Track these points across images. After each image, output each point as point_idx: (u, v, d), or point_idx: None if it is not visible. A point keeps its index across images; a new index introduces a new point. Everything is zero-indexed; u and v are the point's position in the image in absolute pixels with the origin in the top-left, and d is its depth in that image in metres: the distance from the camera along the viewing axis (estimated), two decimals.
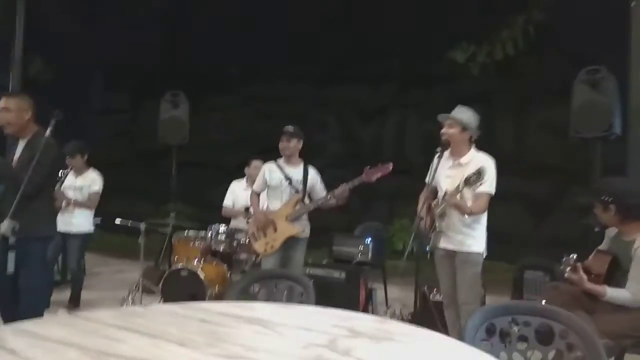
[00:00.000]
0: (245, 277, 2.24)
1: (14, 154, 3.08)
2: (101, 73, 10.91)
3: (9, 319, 3.11)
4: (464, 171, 3.29)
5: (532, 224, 8.48)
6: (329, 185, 4.12)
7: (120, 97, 11.17)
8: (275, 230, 3.99)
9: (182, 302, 4.42)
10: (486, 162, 3.26)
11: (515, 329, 1.65)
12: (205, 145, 9.64)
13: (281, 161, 4.12)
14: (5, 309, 3.15)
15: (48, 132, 2.89)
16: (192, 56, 9.47)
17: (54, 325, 1.51)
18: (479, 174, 3.00)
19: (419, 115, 8.62)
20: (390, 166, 3.85)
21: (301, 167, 4.10)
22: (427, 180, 3.56)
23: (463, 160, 3.38)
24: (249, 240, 4.40)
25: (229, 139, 9.98)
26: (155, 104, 6.67)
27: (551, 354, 1.60)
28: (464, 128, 3.36)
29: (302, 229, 4.02)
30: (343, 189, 3.85)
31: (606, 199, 2.91)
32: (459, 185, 3.13)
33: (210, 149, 9.87)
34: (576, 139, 4.96)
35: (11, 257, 2.72)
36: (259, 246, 4.05)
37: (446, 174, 3.45)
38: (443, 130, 3.39)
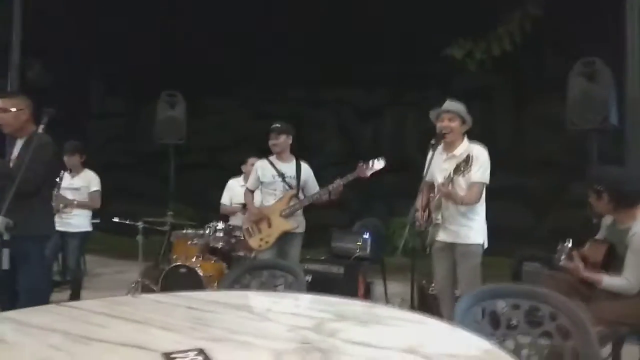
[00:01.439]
0: (237, 268, 2.24)
1: (12, 153, 3.10)
2: (100, 76, 10.94)
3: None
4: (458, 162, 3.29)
5: (532, 219, 8.46)
6: (328, 184, 4.12)
7: (118, 100, 11.20)
8: (269, 225, 3.99)
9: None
10: (478, 151, 3.25)
11: (505, 311, 1.64)
12: (204, 146, 9.67)
13: (273, 158, 4.12)
14: (3, 305, 3.15)
15: (40, 128, 2.89)
16: (189, 57, 9.48)
17: (38, 313, 1.51)
18: (467, 161, 3.00)
19: (417, 112, 8.61)
20: (383, 162, 3.85)
21: (293, 163, 4.11)
22: (424, 174, 3.56)
23: (457, 151, 3.36)
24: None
25: (227, 139, 9.99)
26: (152, 106, 6.68)
27: (541, 338, 1.60)
28: (463, 121, 3.36)
29: (297, 224, 4.02)
30: (337, 184, 3.85)
31: (599, 187, 2.90)
32: (450, 174, 3.12)
33: (209, 150, 9.89)
34: (573, 131, 4.96)
35: (5, 253, 2.71)
36: (253, 242, 4.05)
37: (441, 167, 3.43)
38: (444, 124, 3.36)
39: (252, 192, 4.23)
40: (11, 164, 3.08)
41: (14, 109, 3.01)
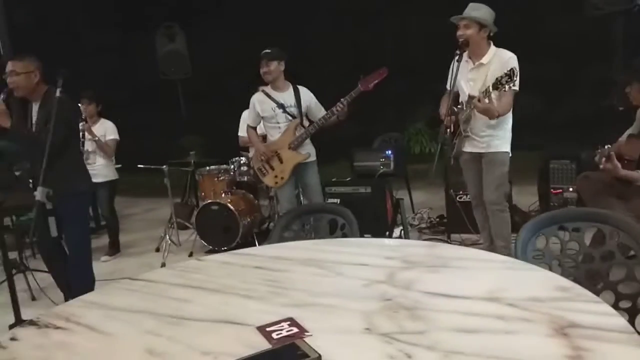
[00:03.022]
0: (285, 215, 2.27)
1: (32, 118, 3.07)
2: (87, 10, 10.41)
3: (61, 278, 3.27)
4: (487, 71, 3.17)
5: (547, 108, 8.34)
6: (334, 99, 3.93)
7: (110, 33, 10.75)
8: (281, 161, 3.92)
9: (217, 236, 4.54)
10: (511, 60, 3.11)
11: (566, 236, 1.67)
12: (206, 74, 9.41)
13: (268, 88, 3.93)
14: (56, 269, 3.29)
15: (58, 92, 2.83)
16: None
17: (119, 293, 1.57)
18: (510, 75, 2.86)
19: (420, 13, 8.20)
20: (386, 71, 3.67)
21: (291, 90, 3.91)
22: (447, 86, 3.46)
23: (484, 59, 3.24)
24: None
25: (229, 65, 9.70)
26: (149, 37, 6.43)
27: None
28: (482, 26, 3.18)
29: (308, 153, 3.93)
30: (342, 105, 3.70)
31: None
32: (487, 89, 3.02)
33: (211, 78, 9.64)
34: (594, 15, 4.72)
35: (52, 221, 2.78)
36: (268, 180, 4.02)
37: (468, 77, 3.33)
38: (459, 33, 3.22)
39: (255, 128, 4.08)
40: (34, 128, 3.07)
41: (24, 71, 2.94)
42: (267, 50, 3.83)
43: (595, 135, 4.01)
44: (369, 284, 1.41)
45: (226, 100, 7.45)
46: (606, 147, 2.76)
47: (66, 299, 3.30)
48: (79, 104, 4.46)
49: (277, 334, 1.17)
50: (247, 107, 5.24)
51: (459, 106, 3.44)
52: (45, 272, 3.85)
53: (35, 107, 3.11)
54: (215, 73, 9.69)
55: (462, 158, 3.56)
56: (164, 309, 1.39)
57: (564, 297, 1.21)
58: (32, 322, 1.38)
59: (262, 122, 4.04)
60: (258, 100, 3.95)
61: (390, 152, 4.80)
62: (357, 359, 1.04)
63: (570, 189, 4.36)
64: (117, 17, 10.01)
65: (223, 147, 5.74)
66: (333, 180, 4.74)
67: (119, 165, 5.11)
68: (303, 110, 3.92)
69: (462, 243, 4.26)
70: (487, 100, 3.04)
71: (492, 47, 3.26)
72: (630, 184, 2.88)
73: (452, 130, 3.49)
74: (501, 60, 3.13)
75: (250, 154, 5.04)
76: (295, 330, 1.18)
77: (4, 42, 6.07)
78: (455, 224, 4.38)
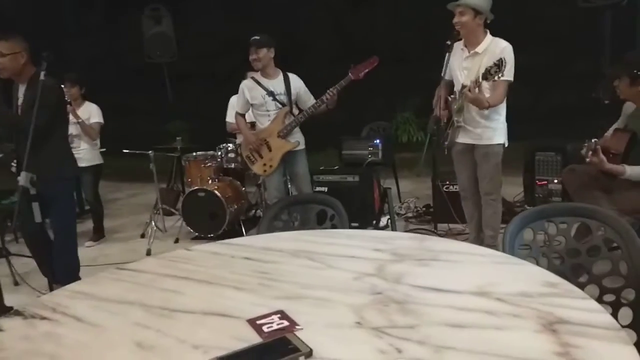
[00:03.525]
0: (274, 205, 2.26)
1: (19, 99, 3.01)
2: None
3: (45, 264, 3.23)
4: (482, 60, 3.15)
5: (534, 99, 8.39)
6: (324, 85, 3.88)
7: (94, 15, 10.51)
8: (269, 149, 3.89)
9: (203, 223, 4.51)
10: (505, 50, 3.11)
11: (552, 228, 1.69)
12: (191, 56, 9.27)
13: (258, 75, 3.87)
14: (40, 255, 3.25)
15: (42, 75, 2.77)
16: None
17: (106, 283, 1.55)
18: (498, 66, 2.86)
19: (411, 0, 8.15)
20: (377, 60, 3.66)
21: (281, 77, 3.87)
22: (442, 74, 3.44)
23: (479, 48, 3.22)
24: None
25: (215, 47, 9.57)
26: (135, 18, 6.30)
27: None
28: (477, 12, 3.16)
29: (297, 142, 3.91)
30: (332, 93, 3.68)
31: (638, 72, 2.82)
32: (477, 79, 3.01)
33: (197, 60, 9.50)
34: (584, 7, 4.75)
35: (35, 207, 2.74)
36: (257, 168, 4.00)
37: (462, 65, 3.31)
38: (455, 20, 3.20)
39: (243, 115, 4.03)
40: (19, 111, 3.01)
41: (10, 52, 2.87)
42: (257, 37, 3.76)
43: (581, 128, 4.06)
44: (359, 277, 1.42)
45: (213, 84, 7.36)
46: (593, 140, 2.79)
47: (50, 285, 3.27)
48: (63, 88, 4.37)
49: (268, 327, 1.16)
50: (235, 92, 5.21)
51: (452, 96, 3.44)
52: (28, 257, 3.81)
53: (21, 89, 3.04)
54: (202, 56, 9.55)
55: (455, 149, 3.56)
56: (153, 300, 1.38)
57: (552, 292, 1.22)
58: (17, 313, 1.36)
59: (251, 109, 3.99)
60: (247, 87, 3.90)
61: (378, 141, 4.81)
62: (348, 354, 1.04)
63: (555, 181, 4.42)
64: None
65: (210, 132, 5.69)
66: (321, 168, 4.74)
67: (104, 149, 5.03)
68: (293, 97, 3.89)
69: (449, 232, 4.30)
70: (477, 90, 3.03)
71: (488, 36, 3.24)
72: (615, 178, 2.92)
73: (445, 120, 3.50)
74: (495, 49, 3.13)
75: (238, 141, 5.00)
76: (286, 323, 1.18)
77: None
78: (441, 213, 4.42)
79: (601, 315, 1.09)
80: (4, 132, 3.78)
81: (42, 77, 2.77)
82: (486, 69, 2.92)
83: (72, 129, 4.60)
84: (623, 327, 1.24)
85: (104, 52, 10.48)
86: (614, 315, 1.54)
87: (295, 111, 3.96)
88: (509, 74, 3.10)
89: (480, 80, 2.99)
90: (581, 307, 1.14)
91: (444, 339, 1.05)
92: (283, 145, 3.87)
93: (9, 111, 2.99)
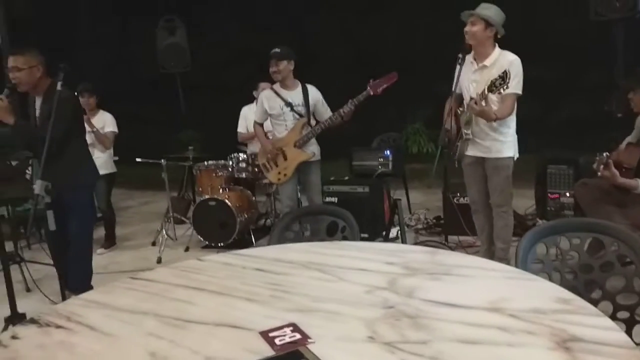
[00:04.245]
0: (285, 216, 2.27)
1: (36, 111, 3.06)
2: (86, 1, 10.34)
3: (62, 267, 3.27)
4: (490, 73, 3.16)
5: (546, 111, 8.35)
6: (334, 96, 3.91)
7: (109, 25, 10.68)
8: (285, 158, 3.94)
9: (213, 232, 4.53)
10: (512, 63, 3.12)
11: (566, 245, 1.69)
12: (205, 68, 9.37)
13: (277, 86, 3.93)
14: (61, 262, 3.28)
15: (59, 86, 2.81)
16: None
17: (120, 292, 1.57)
18: (503, 78, 2.88)
19: (422, 12, 8.18)
20: (396, 76, 3.68)
21: (299, 89, 3.92)
22: (453, 87, 3.45)
23: (488, 61, 3.23)
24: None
25: (228, 57, 9.66)
26: (149, 29, 6.39)
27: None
28: (488, 24, 3.18)
29: (312, 153, 3.95)
30: (349, 107, 3.71)
31: None
32: (483, 92, 3.02)
33: (211, 72, 9.59)
34: (596, 20, 4.74)
35: (50, 215, 2.76)
36: (272, 176, 4.04)
37: (471, 78, 3.33)
38: (466, 29, 3.22)
39: (261, 125, 4.09)
40: (37, 123, 3.06)
41: (26, 67, 2.92)
42: (277, 50, 3.81)
43: (594, 141, 4.03)
44: (370, 290, 1.42)
45: (225, 94, 7.41)
46: (604, 154, 2.77)
47: (62, 292, 3.29)
48: (80, 98, 4.44)
49: (280, 340, 1.17)
50: (247, 103, 5.27)
51: (461, 108, 3.44)
52: (40, 263, 3.85)
53: (38, 102, 3.10)
54: (215, 67, 9.64)
55: (465, 161, 3.55)
56: (166, 310, 1.39)
57: (565, 309, 1.22)
58: (33, 321, 1.38)
59: (269, 118, 4.04)
60: (266, 97, 3.95)
61: (388, 152, 4.81)
62: None
63: (567, 194, 4.39)
64: (117, 8, 9.93)
65: (221, 142, 5.72)
66: (331, 179, 4.75)
67: (116, 158, 5.09)
68: (311, 108, 3.94)
69: (459, 245, 4.28)
70: (483, 103, 3.04)
71: (497, 49, 3.25)
72: (628, 192, 2.90)
73: (455, 133, 3.50)
74: (504, 62, 3.13)
75: (249, 151, 5.04)
76: (298, 336, 1.19)
77: (3, 34, 6.04)
78: (452, 225, 4.40)
79: (615, 333, 1.08)
80: (20, 142, 3.83)
81: (59, 87, 2.82)
82: (492, 81, 2.94)
83: (87, 138, 4.66)
84: (637, 345, 1.22)
85: (118, 62, 10.63)
86: (628, 333, 1.52)
87: (312, 122, 4.00)
88: (517, 87, 3.10)
89: (487, 92, 3.00)
90: (595, 324, 1.13)
91: (456, 355, 1.05)
92: (299, 155, 3.91)
93: (26, 124, 3.04)
